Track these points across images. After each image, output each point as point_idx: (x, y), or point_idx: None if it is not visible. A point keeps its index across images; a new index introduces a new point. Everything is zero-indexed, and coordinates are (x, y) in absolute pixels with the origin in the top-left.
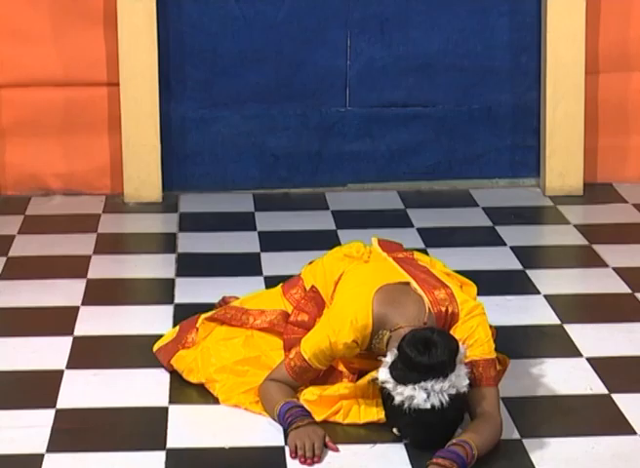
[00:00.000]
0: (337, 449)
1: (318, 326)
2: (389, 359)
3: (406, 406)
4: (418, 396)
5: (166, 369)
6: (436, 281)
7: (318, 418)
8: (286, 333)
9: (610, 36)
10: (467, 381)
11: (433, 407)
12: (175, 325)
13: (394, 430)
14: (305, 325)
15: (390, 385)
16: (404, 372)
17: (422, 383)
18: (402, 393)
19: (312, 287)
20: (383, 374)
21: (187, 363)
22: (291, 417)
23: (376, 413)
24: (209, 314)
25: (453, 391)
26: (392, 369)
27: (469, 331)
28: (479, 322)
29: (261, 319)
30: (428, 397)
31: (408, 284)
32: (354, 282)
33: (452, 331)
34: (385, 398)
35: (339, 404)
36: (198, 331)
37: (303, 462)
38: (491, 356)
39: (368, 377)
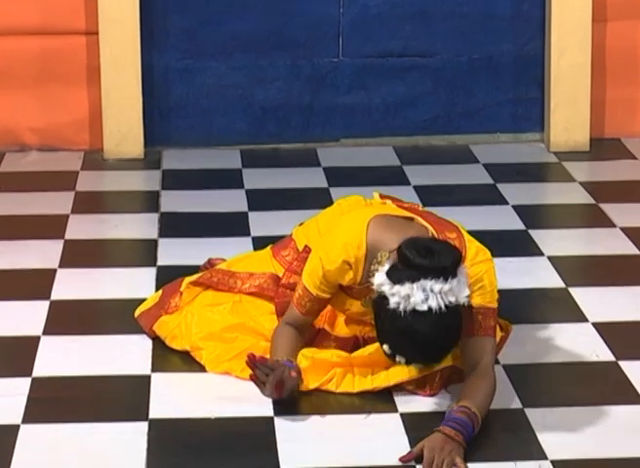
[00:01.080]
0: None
1: (312, 253)
2: (387, 265)
3: (402, 307)
4: (415, 295)
5: (148, 335)
6: (445, 222)
7: (311, 386)
8: (277, 297)
9: None
10: (468, 292)
11: (430, 309)
12: (157, 288)
13: (385, 347)
14: None
15: (386, 287)
16: (402, 272)
17: (422, 281)
18: (399, 292)
19: (306, 247)
20: (379, 277)
21: (171, 329)
22: None
23: (370, 382)
24: (194, 278)
25: (452, 298)
26: (389, 272)
27: (475, 275)
28: (486, 269)
29: (250, 282)
30: (427, 299)
31: (412, 219)
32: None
33: None
34: (379, 308)
35: (332, 371)
36: (182, 295)
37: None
38: (492, 305)
39: (361, 351)
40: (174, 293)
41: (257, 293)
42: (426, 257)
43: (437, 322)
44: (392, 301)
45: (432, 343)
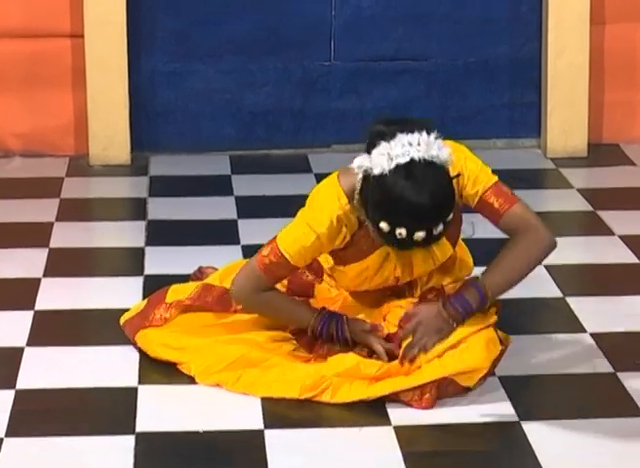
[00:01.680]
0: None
1: (293, 222)
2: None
3: (386, 169)
4: (394, 149)
5: (135, 345)
6: None
7: (304, 395)
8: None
9: None
10: (448, 153)
11: (413, 160)
12: (145, 298)
13: (382, 225)
14: (308, 293)
15: (366, 160)
16: (376, 141)
17: (399, 136)
18: (378, 154)
19: None
20: (357, 160)
21: (154, 342)
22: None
23: (365, 391)
24: (186, 299)
25: (434, 152)
26: (366, 149)
27: (458, 166)
28: (464, 156)
29: None
30: (407, 152)
31: None
32: None
33: None
34: (365, 189)
35: (328, 381)
36: (172, 308)
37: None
38: (492, 180)
39: (352, 358)
40: (159, 304)
41: None
42: (398, 124)
43: (425, 175)
44: (375, 168)
45: (425, 202)
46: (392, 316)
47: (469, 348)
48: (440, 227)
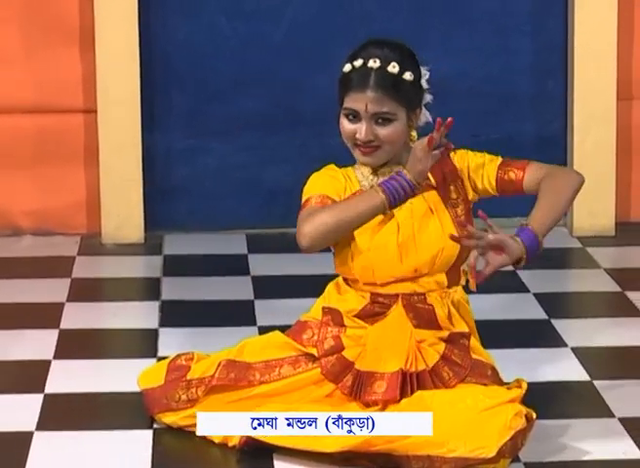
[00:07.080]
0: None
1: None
2: None
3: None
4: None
5: (151, 417)
6: None
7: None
8: (324, 368)
9: None
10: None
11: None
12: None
13: (345, 66)
14: (338, 347)
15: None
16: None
17: None
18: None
19: (324, 309)
20: None
21: (177, 421)
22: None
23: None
24: (209, 377)
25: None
26: None
27: (463, 166)
28: (467, 158)
29: (270, 374)
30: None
31: None
32: None
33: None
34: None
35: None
36: (194, 388)
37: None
38: (498, 159)
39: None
40: (180, 379)
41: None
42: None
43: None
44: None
45: (373, 39)
46: (425, 354)
47: (488, 420)
48: (395, 67)
